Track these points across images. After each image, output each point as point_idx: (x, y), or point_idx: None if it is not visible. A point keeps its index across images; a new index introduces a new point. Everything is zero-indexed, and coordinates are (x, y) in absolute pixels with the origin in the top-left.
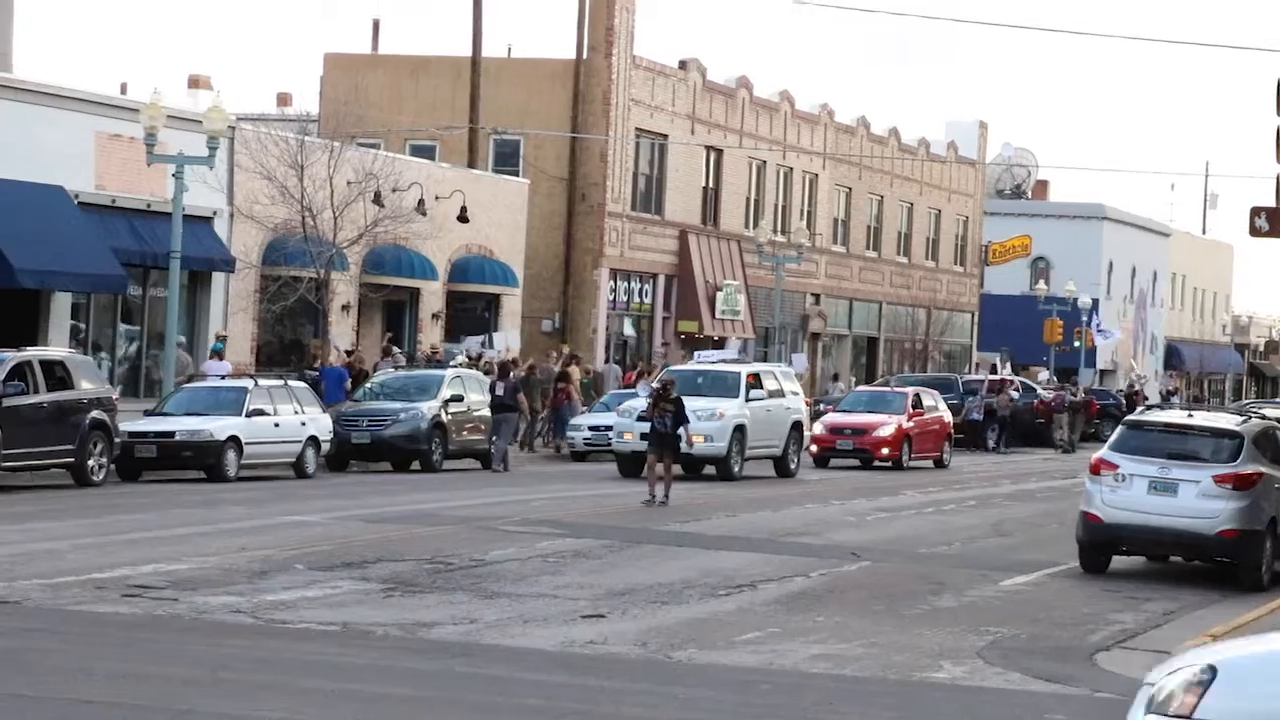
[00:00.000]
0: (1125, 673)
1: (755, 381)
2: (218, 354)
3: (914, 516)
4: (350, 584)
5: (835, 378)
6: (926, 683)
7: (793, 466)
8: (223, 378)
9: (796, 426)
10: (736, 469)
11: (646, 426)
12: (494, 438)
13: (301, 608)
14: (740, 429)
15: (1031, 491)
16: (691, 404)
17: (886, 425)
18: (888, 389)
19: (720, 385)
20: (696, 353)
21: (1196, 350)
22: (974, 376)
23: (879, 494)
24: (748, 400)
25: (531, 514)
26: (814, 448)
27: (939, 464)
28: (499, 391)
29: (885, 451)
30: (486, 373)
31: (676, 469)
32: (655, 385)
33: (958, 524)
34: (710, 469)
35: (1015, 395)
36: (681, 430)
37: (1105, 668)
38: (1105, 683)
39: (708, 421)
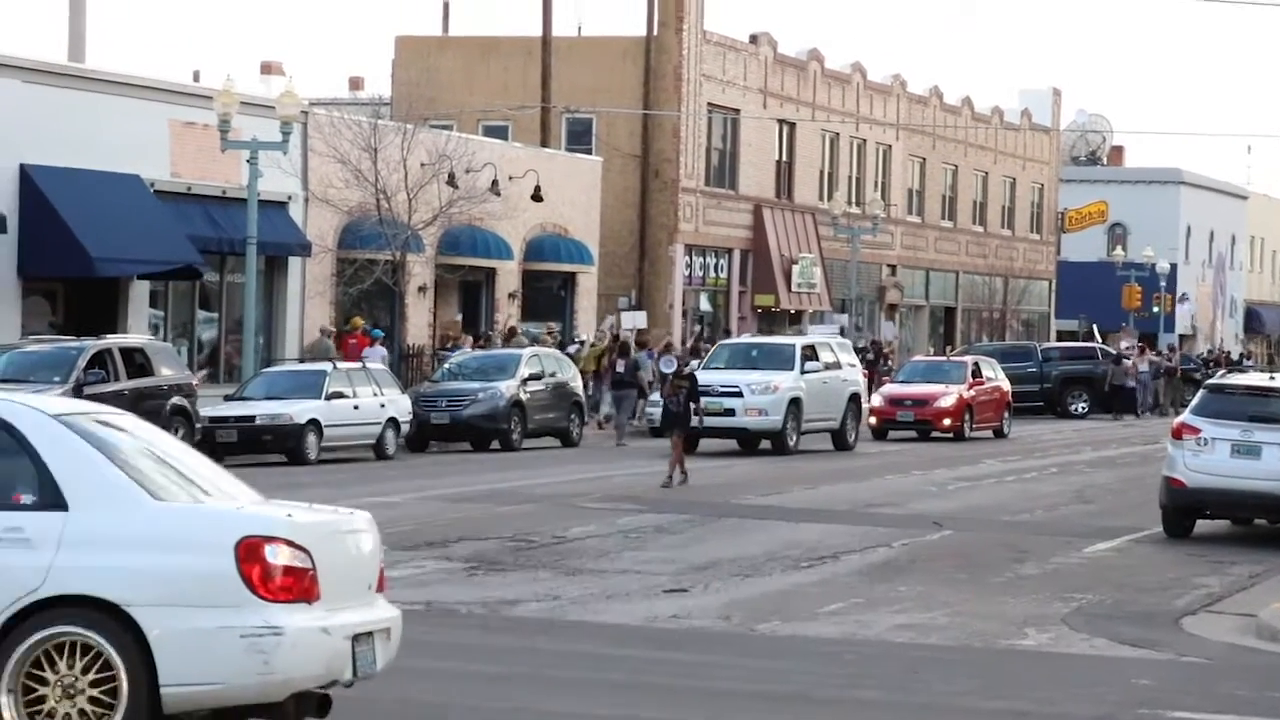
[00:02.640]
0: (1211, 637)
1: (811, 353)
2: (375, 339)
3: (995, 485)
4: (433, 563)
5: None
6: (1011, 650)
7: (850, 439)
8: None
9: (854, 399)
10: (792, 443)
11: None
12: (614, 412)
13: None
14: (796, 402)
15: (1113, 458)
16: (745, 377)
17: (947, 395)
18: (944, 359)
19: (775, 357)
20: (811, 328)
21: (1276, 313)
22: (1105, 346)
23: (959, 463)
24: (803, 372)
25: (612, 490)
26: (873, 420)
27: (999, 434)
28: (620, 369)
29: (947, 422)
30: (563, 348)
31: (727, 444)
32: (669, 362)
33: (1039, 491)
34: (766, 444)
35: (1148, 365)
36: (694, 407)
37: (1191, 632)
38: (1191, 647)
39: (762, 395)
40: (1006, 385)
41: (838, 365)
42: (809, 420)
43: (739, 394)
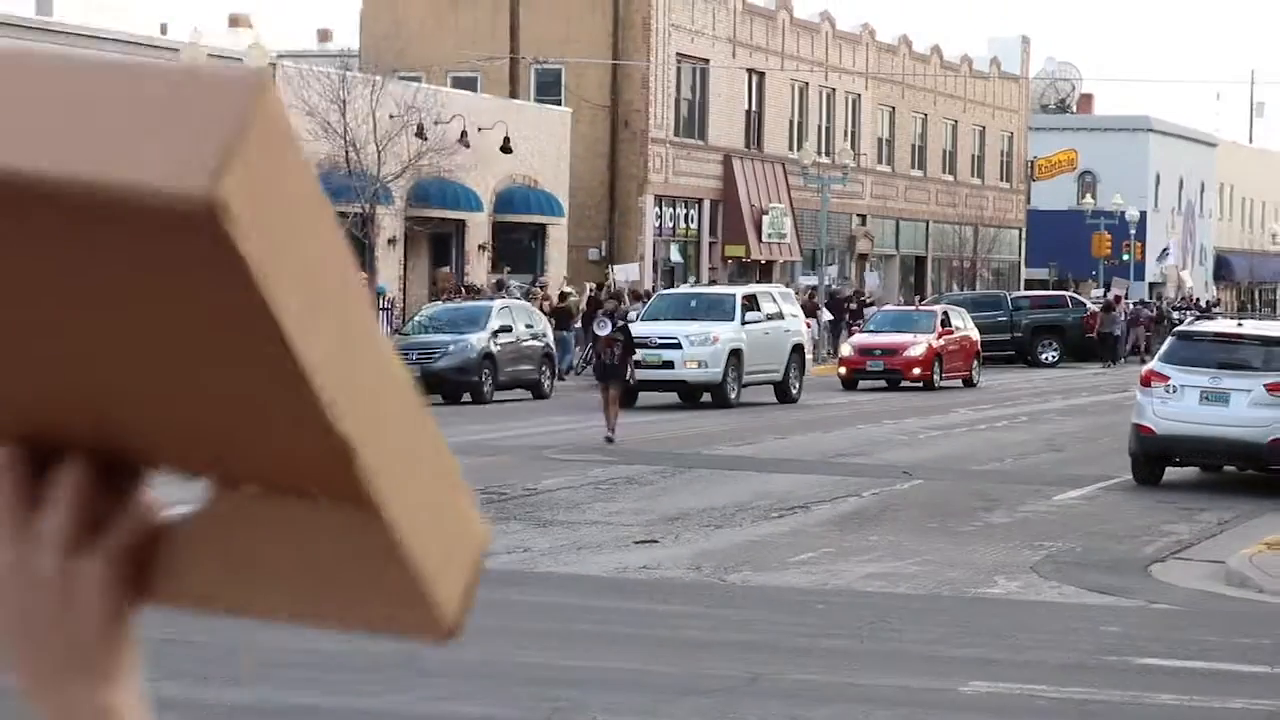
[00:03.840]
0: (1180, 584)
1: (751, 303)
2: (380, 294)
3: (966, 434)
4: None
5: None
6: (981, 598)
7: (794, 391)
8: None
9: (797, 350)
10: (733, 395)
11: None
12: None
13: None
14: (736, 353)
15: (1083, 406)
16: (684, 328)
17: (917, 345)
18: (913, 309)
19: (715, 308)
20: (800, 279)
21: (1246, 260)
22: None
23: (930, 413)
24: (744, 323)
25: (583, 443)
26: (843, 369)
27: (968, 383)
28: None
29: (916, 371)
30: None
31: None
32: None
33: (1010, 440)
34: (707, 396)
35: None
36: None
37: (1160, 579)
38: (1161, 594)
39: (701, 347)
40: (976, 335)
41: (780, 315)
42: (750, 372)
43: (677, 346)
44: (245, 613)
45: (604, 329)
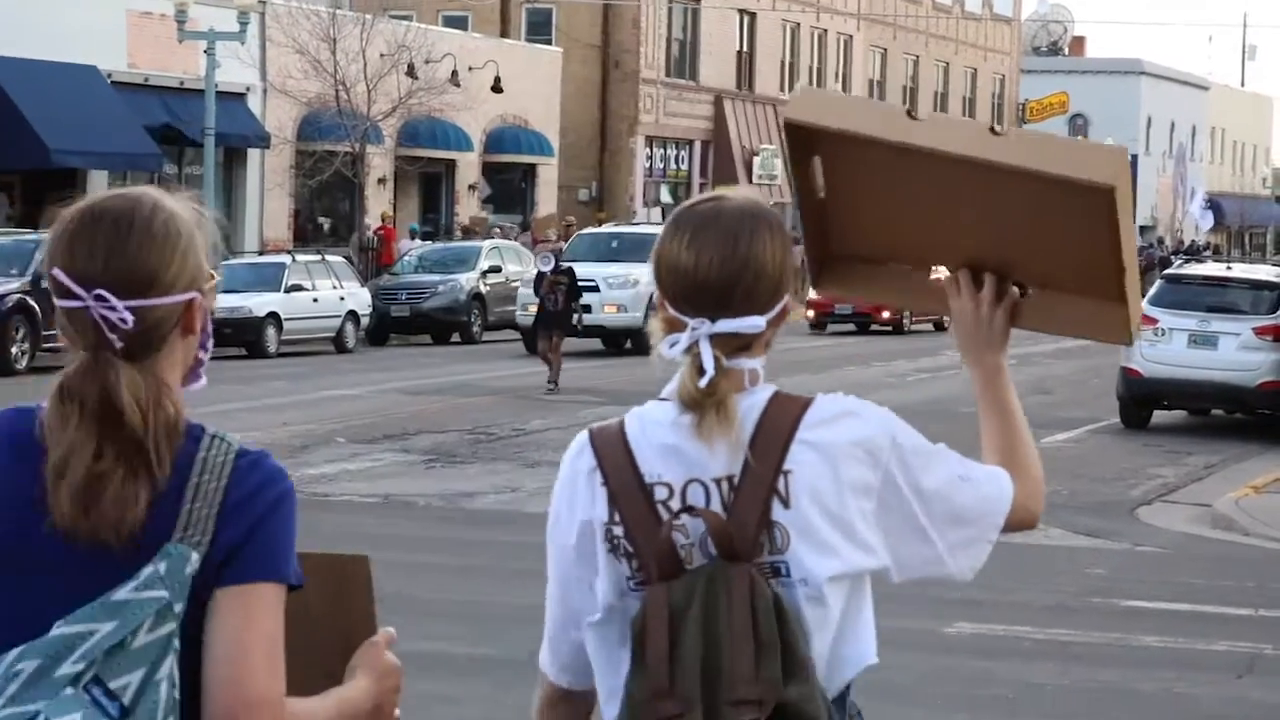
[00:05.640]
0: (1167, 526)
1: None
2: (413, 232)
3: (954, 377)
4: (392, 456)
5: None
6: None
7: None
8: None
9: None
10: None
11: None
12: None
13: (343, 480)
14: None
15: (1072, 350)
16: (603, 270)
17: None
18: None
19: (637, 249)
20: None
21: (1237, 204)
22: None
23: (919, 355)
24: None
25: (571, 383)
26: (810, 313)
27: (939, 326)
28: None
29: (886, 315)
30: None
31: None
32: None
33: None
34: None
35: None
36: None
37: (1146, 521)
38: (1146, 536)
39: (620, 290)
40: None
41: None
42: None
43: (595, 289)
44: (1045, 327)
45: (547, 265)
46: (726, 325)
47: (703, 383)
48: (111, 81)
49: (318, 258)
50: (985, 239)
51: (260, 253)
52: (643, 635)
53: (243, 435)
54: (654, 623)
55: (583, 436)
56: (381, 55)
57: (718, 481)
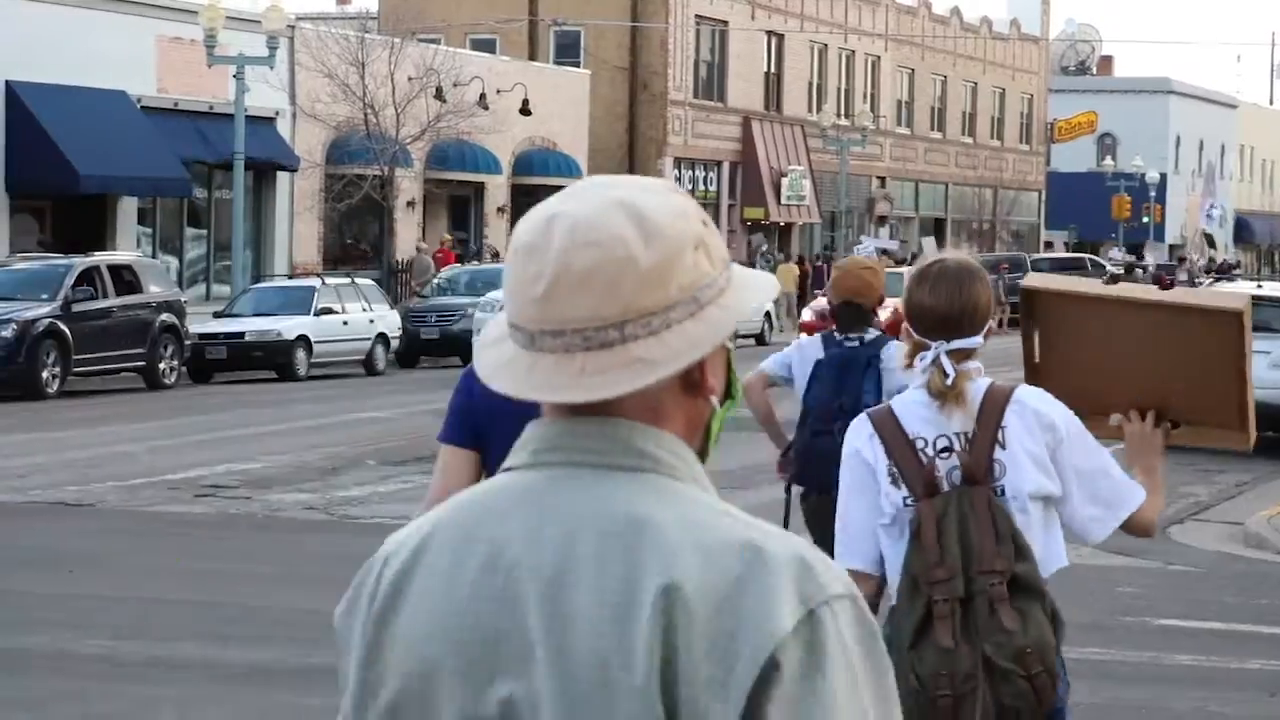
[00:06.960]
0: (1199, 545)
1: None
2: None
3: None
4: (422, 478)
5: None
6: None
7: None
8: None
9: None
10: None
11: None
12: None
13: (374, 503)
14: None
15: None
16: None
17: (884, 309)
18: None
19: None
20: (863, 237)
21: (1267, 223)
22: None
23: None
24: None
25: None
26: (802, 336)
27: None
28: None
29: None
30: None
31: None
32: None
33: None
34: None
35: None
36: None
37: (1178, 540)
38: (1178, 555)
39: None
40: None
41: None
42: None
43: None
44: (1184, 442)
45: None
46: (958, 344)
47: (948, 381)
48: (141, 106)
49: (347, 281)
50: (1148, 383)
51: (290, 276)
52: (919, 529)
53: (272, 458)
54: (926, 521)
55: (862, 416)
56: (410, 79)
57: (958, 435)
